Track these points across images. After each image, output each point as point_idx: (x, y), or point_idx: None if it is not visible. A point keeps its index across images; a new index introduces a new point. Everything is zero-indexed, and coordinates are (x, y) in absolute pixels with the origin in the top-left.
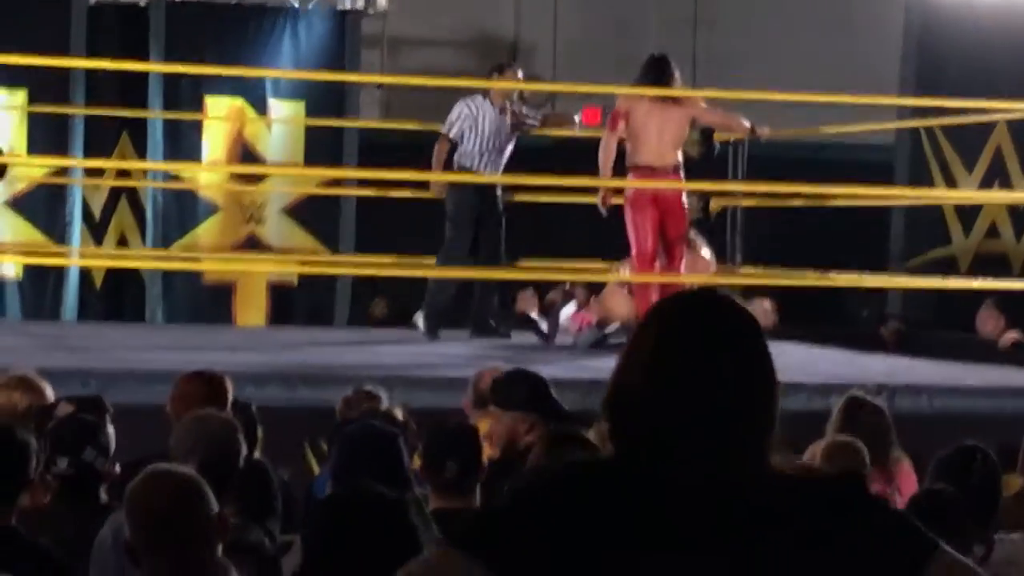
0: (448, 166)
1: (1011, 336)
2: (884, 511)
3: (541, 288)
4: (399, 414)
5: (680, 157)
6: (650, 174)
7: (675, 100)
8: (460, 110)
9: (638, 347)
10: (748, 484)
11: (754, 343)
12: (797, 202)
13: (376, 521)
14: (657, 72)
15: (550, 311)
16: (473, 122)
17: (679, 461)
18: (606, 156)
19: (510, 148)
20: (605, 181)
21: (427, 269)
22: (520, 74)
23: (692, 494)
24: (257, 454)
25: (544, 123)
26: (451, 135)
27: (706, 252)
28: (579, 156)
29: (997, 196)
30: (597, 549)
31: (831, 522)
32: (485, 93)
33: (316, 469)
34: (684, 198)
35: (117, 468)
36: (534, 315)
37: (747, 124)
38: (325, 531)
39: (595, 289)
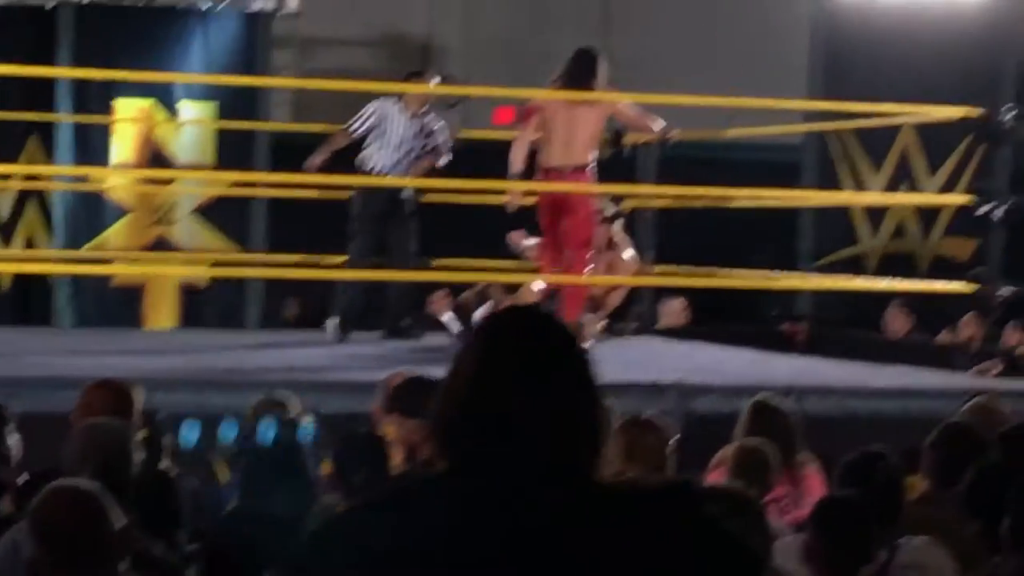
0: (347, 164)
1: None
2: (706, 527)
3: (455, 290)
4: (308, 420)
5: (591, 157)
6: (555, 176)
7: (581, 88)
8: (369, 110)
9: (462, 364)
10: (565, 499)
11: (572, 360)
12: (707, 203)
13: (270, 538)
14: (577, 67)
15: (463, 312)
16: (379, 125)
17: (496, 475)
18: (516, 154)
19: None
20: (505, 183)
21: (338, 271)
22: (436, 80)
23: (506, 508)
24: (165, 462)
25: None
26: (351, 131)
27: (629, 252)
28: (493, 155)
29: (902, 198)
30: (403, 567)
31: (649, 537)
32: (399, 97)
33: (226, 476)
34: (593, 201)
35: (23, 477)
36: (446, 318)
37: (658, 126)
38: (220, 548)
39: (512, 290)
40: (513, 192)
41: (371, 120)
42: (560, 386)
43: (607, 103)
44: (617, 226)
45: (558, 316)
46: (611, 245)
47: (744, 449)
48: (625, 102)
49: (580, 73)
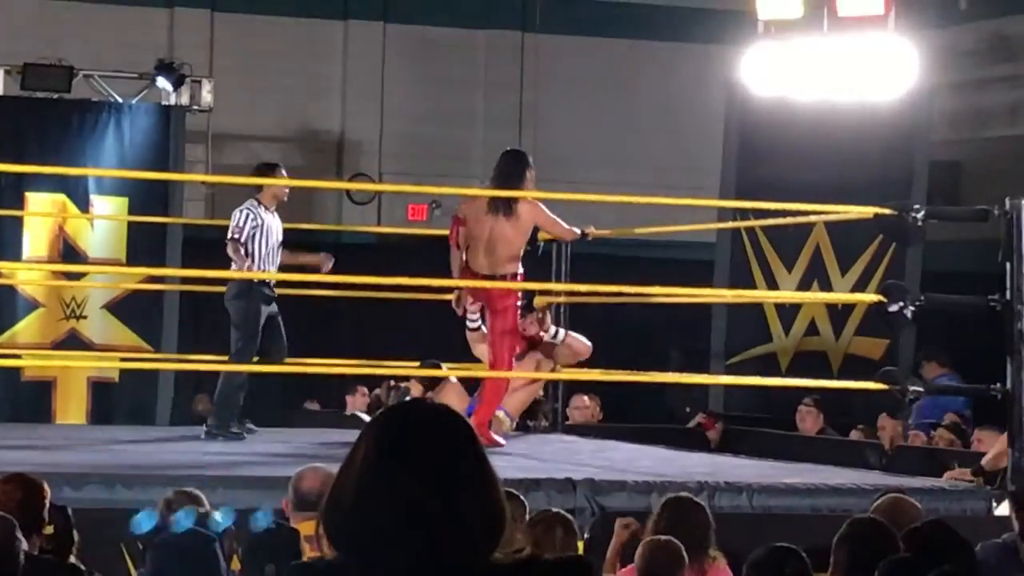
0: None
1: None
2: None
3: (369, 386)
4: (221, 512)
5: (515, 268)
6: (482, 280)
7: (511, 212)
8: (246, 216)
9: (353, 458)
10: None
11: (463, 449)
12: (620, 299)
13: None
14: (507, 168)
15: (377, 407)
16: (259, 228)
17: (385, 564)
18: (454, 265)
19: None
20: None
21: (252, 365)
22: (283, 173)
23: None
24: (72, 558)
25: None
26: (243, 240)
27: (579, 337)
28: (407, 250)
29: (815, 296)
30: None
31: None
32: (258, 200)
33: (134, 573)
34: (513, 298)
35: None
36: (361, 413)
37: (576, 232)
38: None
39: (430, 385)
40: (459, 293)
41: (252, 225)
42: (447, 475)
43: (527, 216)
44: (532, 319)
45: (449, 411)
46: (537, 340)
47: (653, 545)
48: (540, 211)
49: (510, 173)
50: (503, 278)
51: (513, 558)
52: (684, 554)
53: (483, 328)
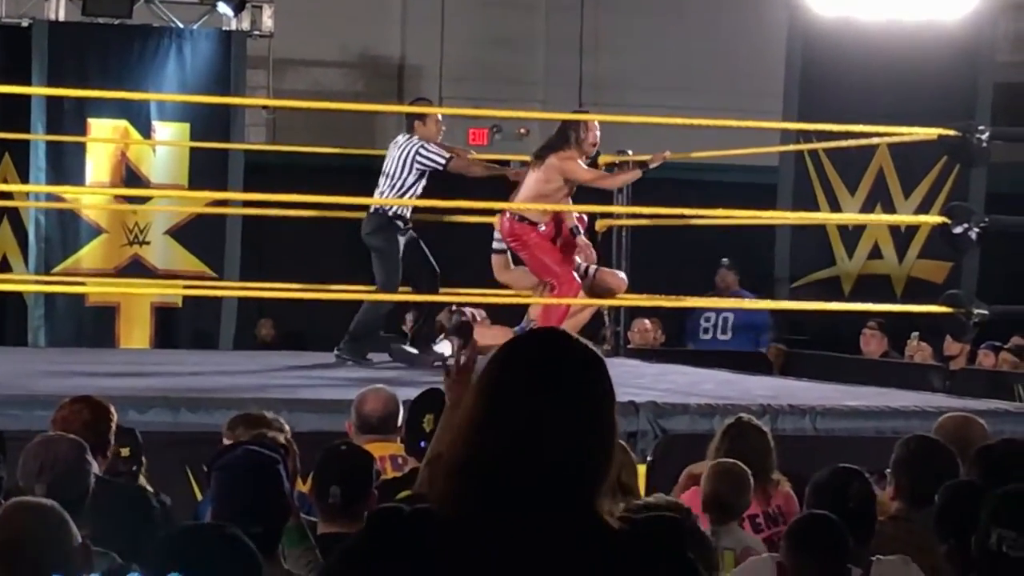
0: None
1: None
2: (687, 569)
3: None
4: (281, 438)
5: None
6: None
7: (541, 157)
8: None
9: (478, 393)
10: (566, 537)
11: (592, 389)
12: (683, 223)
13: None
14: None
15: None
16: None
17: (503, 511)
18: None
19: None
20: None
21: (311, 291)
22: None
23: (508, 546)
24: (141, 479)
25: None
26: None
27: (614, 272)
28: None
29: (878, 219)
30: None
31: None
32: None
33: (199, 494)
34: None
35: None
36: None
37: (637, 172)
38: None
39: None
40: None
41: None
42: (576, 421)
43: (551, 169)
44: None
45: (578, 341)
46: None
47: (719, 468)
48: (571, 167)
49: (552, 141)
50: (516, 219)
51: (620, 517)
52: (750, 478)
53: (508, 255)
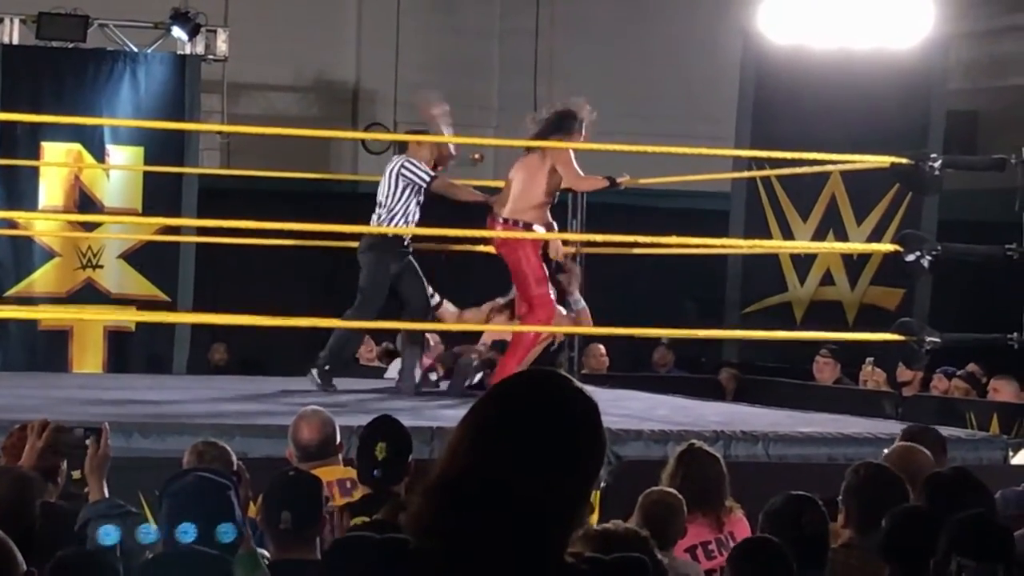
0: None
1: None
2: None
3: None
4: (233, 463)
5: (531, 217)
6: (490, 219)
7: (537, 150)
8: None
9: (471, 427)
10: None
11: (583, 436)
12: (636, 250)
13: None
14: (548, 122)
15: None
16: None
17: (473, 544)
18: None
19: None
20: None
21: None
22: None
23: None
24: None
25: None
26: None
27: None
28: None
29: (830, 246)
30: None
31: None
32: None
33: (153, 520)
34: (523, 247)
35: None
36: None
37: (605, 182)
38: None
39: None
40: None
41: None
42: (567, 463)
43: (549, 157)
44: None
45: (576, 385)
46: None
47: (652, 497)
48: (563, 162)
49: (546, 128)
50: (515, 224)
51: (585, 559)
52: (683, 506)
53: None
